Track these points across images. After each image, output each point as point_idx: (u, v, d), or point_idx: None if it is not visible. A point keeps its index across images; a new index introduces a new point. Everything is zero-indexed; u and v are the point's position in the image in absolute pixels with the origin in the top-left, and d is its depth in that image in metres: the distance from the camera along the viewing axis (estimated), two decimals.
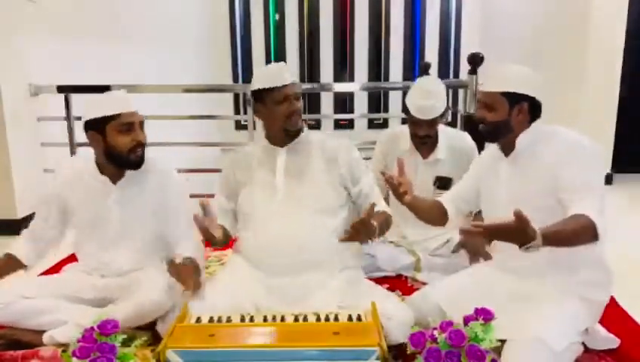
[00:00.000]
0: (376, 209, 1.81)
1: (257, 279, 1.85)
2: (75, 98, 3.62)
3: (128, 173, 1.93)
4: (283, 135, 1.93)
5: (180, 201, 2.00)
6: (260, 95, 1.89)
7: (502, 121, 1.70)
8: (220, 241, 1.80)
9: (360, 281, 1.92)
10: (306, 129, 2.00)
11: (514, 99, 1.69)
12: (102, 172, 1.94)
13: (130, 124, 1.86)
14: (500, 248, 1.86)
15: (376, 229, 1.67)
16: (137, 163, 1.90)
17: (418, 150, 2.44)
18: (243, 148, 2.12)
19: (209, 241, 1.74)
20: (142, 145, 1.90)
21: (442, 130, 2.45)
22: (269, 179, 1.92)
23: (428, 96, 2.27)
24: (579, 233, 1.46)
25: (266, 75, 1.88)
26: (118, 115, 1.83)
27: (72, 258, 2.19)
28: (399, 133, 2.54)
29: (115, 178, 1.94)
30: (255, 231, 1.90)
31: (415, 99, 2.30)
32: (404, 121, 2.88)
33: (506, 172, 1.77)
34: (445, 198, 1.99)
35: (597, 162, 1.66)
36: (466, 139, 2.51)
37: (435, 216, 1.96)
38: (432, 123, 2.32)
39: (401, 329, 1.61)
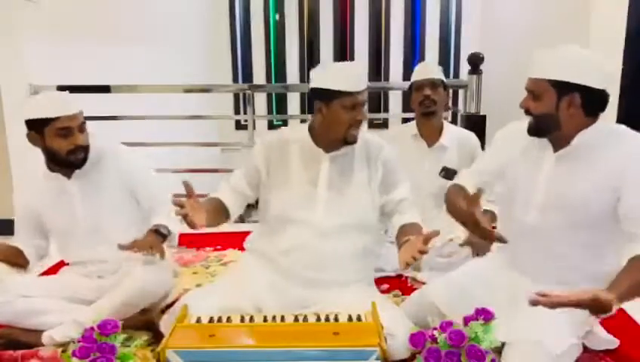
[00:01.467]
0: (405, 221, 1.80)
1: (267, 282, 1.79)
2: (75, 98, 3.61)
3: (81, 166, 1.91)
4: (338, 143, 1.81)
5: (142, 174, 2.00)
6: (327, 95, 1.74)
7: (548, 113, 1.49)
8: (207, 223, 1.66)
9: (371, 295, 1.84)
10: None
11: (563, 88, 1.45)
12: (52, 170, 1.92)
13: (68, 129, 1.81)
14: (504, 248, 1.82)
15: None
16: (79, 164, 1.88)
17: (424, 136, 2.50)
18: (279, 133, 1.93)
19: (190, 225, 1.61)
20: (82, 147, 1.86)
21: (447, 124, 2.54)
22: (309, 187, 1.81)
23: (426, 63, 2.60)
24: None
25: (343, 76, 1.74)
26: (57, 119, 1.79)
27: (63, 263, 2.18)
28: (404, 126, 2.65)
29: (68, 172, 1.91)
30: (285, 238, 1.81)
31: (417, 67, 2.58)
32: (404, 121, 2.90)
33: (551, 167, 1.58)
34: (464, 176, 1.84)
35: None
36: (471, 136, 2.59)
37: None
38: (433, 86, 2.43)
39: (404, 347, 1.57)
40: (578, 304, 1.27)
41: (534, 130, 1.57)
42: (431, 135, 2.49)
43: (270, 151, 1.87)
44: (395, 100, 6.74)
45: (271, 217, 1.87)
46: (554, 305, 1.26)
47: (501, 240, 1.54)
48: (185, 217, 1.57)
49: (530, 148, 1.65)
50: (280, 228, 1.83)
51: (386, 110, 6.68)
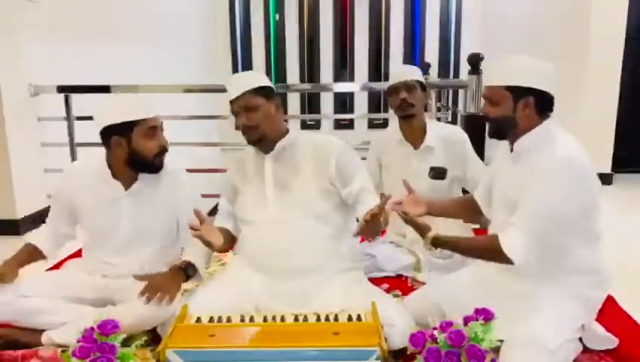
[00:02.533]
0: (368, 209, 1.79)
1: (259, 281, 1.85)
2: (75, 98, 3.62)
3: (141, 178, 1.92)
4: (270, 142, 1.90)
5: (189, 205, 1.96)
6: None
7: (506, 116, 1.62)
8: (220, 247, 1.81)
9: (361, 283, 1.92)
10: (294, 131, 1.95)
11: (519, 93, 1.60)
12: (114, 176, 1.92)
13: (155, 128, 1.86)
14: None
15: (381, 224, 1.60)
16: (160, 167, 1.91)
17: (408, 139, 2.47)
18: (241, 153, 2.09)
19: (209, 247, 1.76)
20: (166, 150, 1.91)
21: (430, 122, 2.52)
22: (260, 188, 1.90)
23: (401, 67, 2.58)
24: (480, 252, 1.68)
25: (227, 87, 1.89)
26: (144, 120, 1.83)
27: (77, 253, 2.19)
28: (389, 130, 2.63)
29: (127, 183, 1.92)
30: (251, 237, 1.91)
31: (392, 71, 2.58)
32: None
33: (507, 170, 1.72)
34: (477, 194, 1.93)
35: (566, 188, 1.53)
36: (456, 130, 2.58)
37: (467, 212, 1.94)
38: (409, 89, 2.39)
39: (402, 336, 1.59)
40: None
41: (493, 132, 1.71)
42: (415, 137, 2.46)
43: (233, 170, 2.03)
44: None
45: (239, 220, 1.98)
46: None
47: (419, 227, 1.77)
48: (201, 238, 1.68)
49: (500, 158, 1.81)
50: (246, 230, 1.94)
51: (386, 110, 6.68)
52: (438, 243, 1.70)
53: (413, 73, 2.45)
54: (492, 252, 1.58)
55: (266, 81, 1.88)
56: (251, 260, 1.90)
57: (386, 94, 2.54)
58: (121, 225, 1.92)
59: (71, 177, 1.99)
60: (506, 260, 1.54)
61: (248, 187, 1.95)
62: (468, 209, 1.93)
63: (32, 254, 1.97)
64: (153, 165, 1.88)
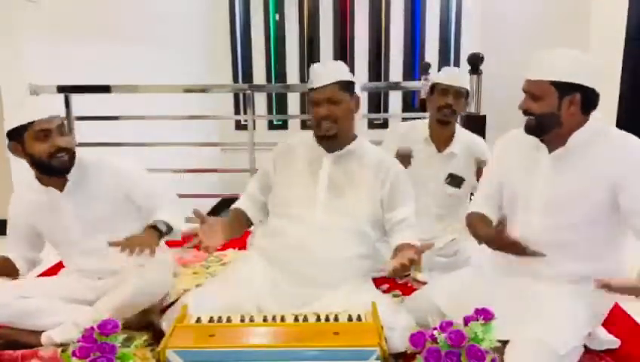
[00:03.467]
0: (401, 241, 1.80)
1: (270, 281, 1.81)
2: (75, 98, 3.62)
3: (69, 177, 1.88)
4: (317, 140, 1.87)
5: (132, 176, 1.98)
6: (308, 94, 1.86)
7: (550, 113, 1.53)
8: (226, 240, 1.77)
9: (366, 287, 1.89)
10: (361, 138, 1.92)
11: (565, 89, 1.51)
12: (44, 184, 1.89)
13: (46, 131, 1.78)
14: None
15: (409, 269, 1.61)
16: (63, 168, 1.84)
17: (434, 141, 2.45)
18: (290, 140, 2.01)
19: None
20: (63, 149, 1.82)
21: (459, 128, 2.50)
22: (310, 186, 1.83)
23: (458, 70, 2.53)
24: None
25: (311, 75, 1.84)
26: (32, 123, 1.78)
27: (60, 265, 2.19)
28: (417, 124, 2.57)
29: (59, 186, 1.89)
30: (284, 235, 1.84)
31: (446, 70, 2.48)
32: (404, 121, 2.88)
33: (548, 169, 1.61)
34: (486, 209, 1.82)
35: None
36: (481, 142, 2.55)
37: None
38: (458, 96, 2.37)
39: (403, 339, 1.57)
40: (629, 290, 1.35)
41: (535, 129, 1.60)
42: (442, 141, 2.44)
43: (278, 155, 1.95)
44: (395, 100, 6.73)
45: (272, 214, 1.91)
46: (613, 290, 1.35)
47: (535, 254, 1.60)
48: (198, 247, 1.65)
49: (525, 152, 1.70)
50: (279, 225, 1.86)
51: (386, 110, 6.68)
52: None
53: (466, 80, 2.43)
54: None
55: (351, 77, 1.86)
56: (273, 257, 1.83)
57: (430, 88, 2.46)
58: (73, 227, 1.91)
59: (17, 201, 1.98)
60: None
61: (296, 183, 1.87)
62: (489, 224, 1.82)
63: (8, 268, 1.94)
64: (51, 166, 1.82)
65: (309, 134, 1.91)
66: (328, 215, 1.81)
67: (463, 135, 2.49)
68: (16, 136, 1.80)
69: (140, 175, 2.01)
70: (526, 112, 1.59)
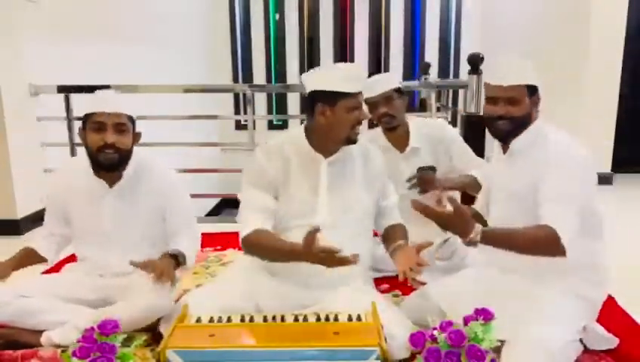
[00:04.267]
0: (390, 223, 1.89)
1: (263, 282, 1.81)
2: (75, 98, 3.62)
3: (125, 176, 1.92)
4: (340, 143, 1.80)
5: (177, 202, 2.01)
6: (332, 97, 1.71)
7: (527, 114, 1.65)
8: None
9: (369, 293, 1.86)
10: None
11: (532, 91, 1.65)
12: (96, 173, 1.92)
13: (102, 124, 1.83)
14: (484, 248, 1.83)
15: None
16: (109, 164, 1.86)
17: (394, 145, 2.44)
18: (275, 142, 1.88)
19: None
20: (111, 146, 1.84)
21: (412, 120, 2.48)
22: (310, 193, 1.79)
23: (375, 78, 2.39)
24: (537, 242, 1.51)
25: (346, 78, 1.72)
26: (93, 114, 1.84)
27: (72, 257, 2.19)
28: (372, 135, 2.51)
29: (111, 181, 1.93)
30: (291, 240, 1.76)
31: (366, 82, 2.31)
32: None
33: (502, 169, 1.76)
34: (482, 209, 1.92)
35: (580, 173, 1.58)
36: (435, 123, 2.56)
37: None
38: (388, 101, 2.35)
39: (404, 347, 1.58)
40: (446, 217, 1.46)
41: (510, 133, 1.68)
42: (400, 142, 2.44)
43: (270, 155, 1.83)
44: None
45: (276, 227, 1.82)
46: (427, 215, 1.48)
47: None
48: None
49: (494, 161, 1.84)
50: (283, 235, 1.78)
51: None
52: (488, 236, 1.51)
53: (389, 82, 2.38)
54: (549, 241, 1.49)
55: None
56: (282, 265, 1.74)
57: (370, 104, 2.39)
58: (104, 221, 1.93)
59: (60, 177, 2.03)
60: (561, 251, 1.48)
61: (294, 188, 1.80)
62: (480, 220, 1.83)
63: (31, 257, 1.96)
64: (98, 160, 1.85)
65: (299, 136, 1.83)
66: (331, 218, 1.78)
67: (418, 127, 2.45)
68: (84, 123, 1.87)
69: (183, 200, 2.05)
70: (502, 117, 1.65)
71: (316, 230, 1.50)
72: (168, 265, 1.84)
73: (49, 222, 2.03)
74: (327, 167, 1.81)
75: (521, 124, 1.67)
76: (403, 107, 2.41)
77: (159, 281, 1.75)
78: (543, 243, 1.51)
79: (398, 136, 2.44)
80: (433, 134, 2.44)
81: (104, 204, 1.93)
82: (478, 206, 1.95)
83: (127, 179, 1.93)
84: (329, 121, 1.74)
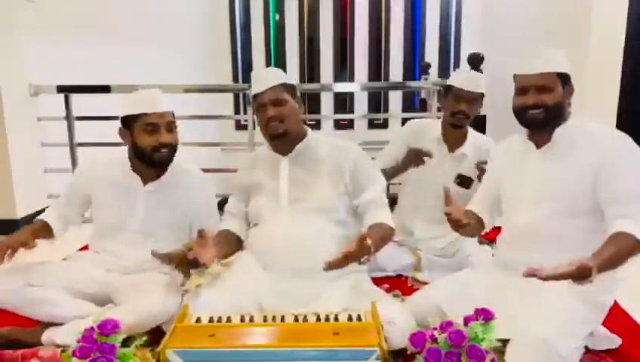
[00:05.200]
0: (377, 221, 1.83)
1: (264, 280, 1.84)
2: (75, 98, 3.62)
3: (163, 179, 1.96)
4: (269, 141, 1.91)
5: (206, 209, 2.05)
6: (253, 101, 1.91)
7: (561, 103, 1.59)
8: (223, 256, 1.83)
9: (364, 284, 1.92)
10: (312, 133, 1.96)
11: (565, 80, 1.59)
12: (134, 170, 1.97)
13: (155, 125, 1.87)
14: (504, 249, 1.83)
15: (370, 248, 1.59)
16: (162, 162, 1.93)
17: (446, 141, 2.43)
18: (254, 151, 2.09)
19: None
20: (167, 145, 1.90)
21: (470, 130, 2.48)
22: (274, 188, 1.90)
23: (474, 73, 2.41)
24: (628, 255, 1.45)
25: (253, 81, 1.92)
26: (144, 115, 1.86)
27: (86, 248, 2.19)
28: (429, 123, 2.56)
29: (145, 179, 1.97)
30: (263, 237, 1.91)
31: (462, 73, 2.40)
32: (403, 122, 2.87)
33: (535, 165, 1.67)
34: (477, 208, 1.88)
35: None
36: (491, 144, 2.48)
37: (475, 227, 1.85)
38: (472, 101, 2.34)
39: (402, 335, 1.58)
40: (565, 276, 1.33)
41: (543, 122, 1.61)
42: (455, 141, 2.43)
43: (245, 164, 2.03)
44: (395, 100, 6.72)
45: (251, 219, 1.99)
46: (545, 278, 1.33)
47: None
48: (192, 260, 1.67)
49: (514, 153, 1.76)
50: (258, 229, 1.95)
51: (386, 110, 6.68)
52: (601, 268, 1.40)
53: (481, 83, 2.36)
54: (635, 250, 1.45)
55: (290, 79, 1.94)
56: (262, 258, 1.88)
57: (443, 91, 2.44)
58: (134, 218, 1.96)
59: (92, 165, 2.06)
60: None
61: (262, 187, 1.94)
62: (476, 222, 1.87)
63: (44, 232, 1.99)
64: (153, 159, 1.90)
65: (265, 146, 1.98)
66: (295, 209, 1.85)
67: (474, 136, 2.47)
68: (127, 123, 1.88)
69: (212, 210, 2.09)
70: (536, 106, 1.59)
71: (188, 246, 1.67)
72: (185, 261, 1.81)
73: (65, 203, 2.05)
74: (287, 165, 1.90)
75: (555, 114, 1.59)
76: (477, 112, 2.40)
77: (170, 270, 1.76)
78: (631, 253, 1.45)
79: (454, 135, 2.43)
80: (485, 149, 2.36)
81: (137, 199, 1.96)
82: (475, 209, 1.89)
83: (163, 182, 1.97)
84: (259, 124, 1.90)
